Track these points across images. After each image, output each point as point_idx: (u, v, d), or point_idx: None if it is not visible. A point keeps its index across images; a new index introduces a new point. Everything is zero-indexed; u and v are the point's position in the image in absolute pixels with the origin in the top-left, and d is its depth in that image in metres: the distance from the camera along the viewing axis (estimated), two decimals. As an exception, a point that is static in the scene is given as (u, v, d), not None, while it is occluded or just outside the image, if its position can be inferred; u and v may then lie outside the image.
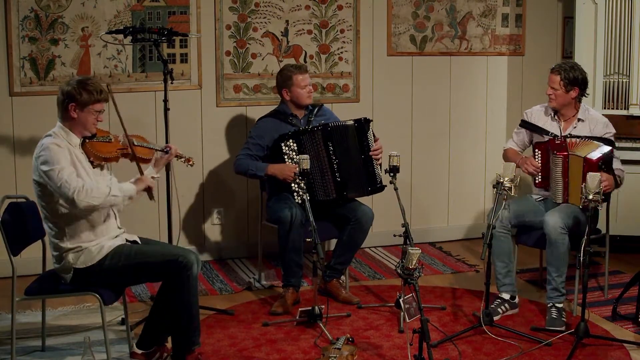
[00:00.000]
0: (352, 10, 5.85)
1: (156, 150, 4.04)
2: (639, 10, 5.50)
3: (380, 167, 4.91)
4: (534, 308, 4.71)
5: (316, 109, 4.99)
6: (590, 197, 4.00)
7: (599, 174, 4.06)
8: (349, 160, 4.81)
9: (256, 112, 5.48)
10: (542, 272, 5.10)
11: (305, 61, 5.76)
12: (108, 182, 3.84)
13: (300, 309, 4.44)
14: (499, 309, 4.56)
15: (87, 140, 3.79)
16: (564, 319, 4.41)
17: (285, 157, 4.74)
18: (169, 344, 3.92)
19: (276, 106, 5.06)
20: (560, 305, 4.45)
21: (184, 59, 5.50)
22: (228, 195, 5.75)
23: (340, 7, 5.82)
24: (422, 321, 3.61)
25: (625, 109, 5.57)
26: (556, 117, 4.74)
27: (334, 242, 4.98)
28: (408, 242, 4.47)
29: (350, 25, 5.86)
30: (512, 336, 4.26)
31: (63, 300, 4.70)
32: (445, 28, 6.10)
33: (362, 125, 4.84)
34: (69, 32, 5.23)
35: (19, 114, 5.19)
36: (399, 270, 3.69)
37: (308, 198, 4.40)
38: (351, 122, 4.83)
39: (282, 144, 4.74)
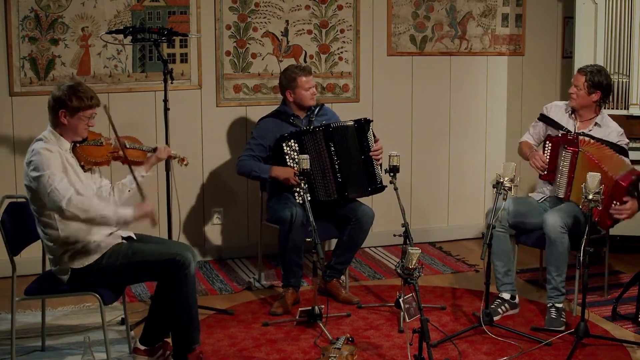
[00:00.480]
0: (352, 10, 5.85)
1: (148, 151, 4.02)
2: (639, 10, 5.49)
3: (381, 168, 4.91)
4: (534, 308, 4.71)
5: (317, 109, 4.99)
6: (590, 197, 4.00)
7: (598, 174, 4.06)
8: (349, 161, 4.81)
9: (256, 112, 5.48)
10: (542, 272, 5.10)
11: (305, 61, 5.77)
12: (100, 184, 3.83)
13: (300, 309, 4.45)
14: (499, 309, 4.56)
15: (78, 145, 3.76)
16: (564, 319, 4.41)
17: (287, 157, 4.74)
18: (169, 340, 3.92)
19: (277, 106, 5.06)
20: (559, 305, 4.45)
21: (184, 59, 5.50)
22: (228, 196, 5.75)
23: (340, 7, 5.82)
24: (422, 321, 3.61)
25: (625, 109, 5.57)
26: (573, 116, 4.74)
27: (334, 242, 4.97)
28: (408, 242, 4.47)
29: (350, 25, 5.86)
30: (512, 336, 4.26)
31: (63, 300, 4.70)
32: (445, 28, 6.10)
33: (362, 125, 4.84)
34: (69, 32, 5.23)
35: (19, 114, 5.19)
36: (399, 270, 3.69)
37: (309, 198, 4.40)
38: (351, 123, 4.83)
39: (284, 144, 4.74)
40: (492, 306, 4.54)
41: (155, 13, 5.40)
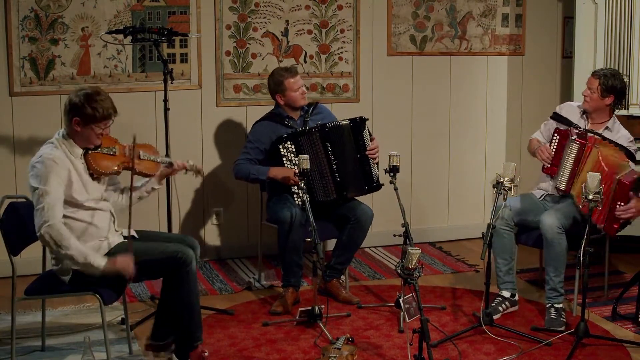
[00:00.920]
0: (352, 10, 5.85)
1: (162, 164, 3.99)
2: (639, 10, 5.49)
3: (377, 166, 4.91)
4: (534, 308, 4.71)
5: (311, 108, 4.98)
6: (590, 197, 4.00)
7: (598, 174, 4.06)
8: (346, 160, 4.81)
9: (256, 112, 5.48)
10: (542, 272, 5.09)
11: (305, 61, 5.77)
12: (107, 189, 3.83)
13: (300, 309, 4.45)
14: (500, 307, 4.56)
15: (90, 152, 3.72)
16: (563, 319, 4.41)
17: (284, 159, 4.74)
18: None
19: (272, 108, 5.06)
20: (559, 306, 4.45)
21: (184, 59, 5.50)
22: (228, 196, 5.75)
23: (340, 7, 5.82)
24: (422, 321, 3.61)
25: (625, 109, 5.56)
26: (585, 116, 4.75)
27: (333, 241, 4.97)
28: (408, 242, 4.47)
29: (350, 25, 5.86)
30: (512, 336, 4.26)
31: (63, 300, 4.70)
32: (445, 28, 6.10)
33: (358, 124, 4.84)
34: (69, 32, 5.23)
35: (19, 114, 5.19)
36: (399, 270, 3.69)
37: (308, 198, 4.40)
38: (346, 122, 4.83)
39: (280, 147, 4.74)
40: (493, 304, 4.54)
41: (155, 13, 5.40)
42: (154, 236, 4.01)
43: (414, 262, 3.61)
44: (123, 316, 4.29)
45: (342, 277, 5.00)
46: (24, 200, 3.93)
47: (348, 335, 4.10)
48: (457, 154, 6.28)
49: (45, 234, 3.49)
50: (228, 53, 5.60)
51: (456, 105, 6.23)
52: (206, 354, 3.87)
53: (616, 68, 5.57)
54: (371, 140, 4.90)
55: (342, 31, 5.85)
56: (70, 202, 3.63)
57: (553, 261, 4.45)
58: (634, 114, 5.55)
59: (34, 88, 5.20)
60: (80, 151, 3.71)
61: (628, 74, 5.54)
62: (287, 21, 5.71)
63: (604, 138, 4.58)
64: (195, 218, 5.69)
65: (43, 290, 3.78)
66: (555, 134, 4.70)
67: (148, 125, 5.43)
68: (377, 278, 5.36)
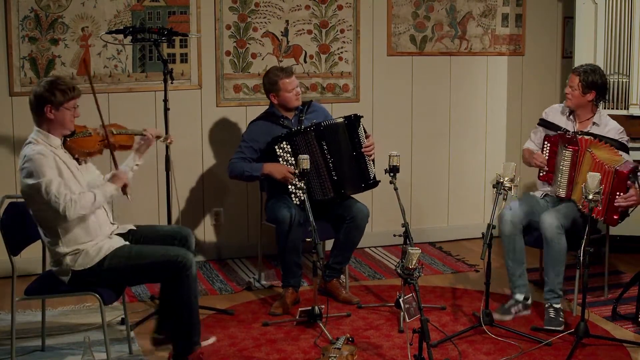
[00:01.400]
0: (352, 10, 5.85)
1: (136, 135, 4.03)
2: (639, 10, 5.49)
3: (373, 163, 4.91)
4: (534, 308, 4.71)
5: (306, 107, 4.98)
6: (590, 197, 4.00)
7: (598, 174, 4.06)
8: (342, 158, 4.80)
9: (256, 112, 5.46)
10: (542, 272, 5.09)
11: (305, 61, 5.77)
12: (95, 178, 3.87)
13: (300, 309, 4.45)
14: (512, 309, 4.54)
15: (69, 139, 3.78)
16: (562, 319, 4.41)
17: (280, 159, 4.74)
18: None
19: (267, 107, 5.06)
20: (557, 306, 4.45)
21: (184, 59, 5.50)
22: (228, 195, 5.75)
23: (340, 7, 5.82)
24: (422, 321, 3.61)
25: (625, 109, 5.57)
26: (572, 117, 4.75)
27: (332, 241, 4.97)
28: (408, 242, 4.47)
29: (350, 25, 5.86)
30: (512, 336, 4.26)
31: (63, 300, 4.70)
32: (445, 28, 6.10)
33: (352, 122, 4.83)
34: (69, 32, 5.23)
35: (19, 114, 5.19)
36: (399, 270, 3.69)
37: (307, 199, 4.40)
38: (341, 120, 4.82)
39: (276, 147, 4.73)
40: (505, 306, 4.53)
41: (155, 13, 5.40)
42: (149, 231, 4.01)
43: (414, 262, 3.61)
44: (123, 316, 4.29)
45: (342, 277, 5.00)
46: (24, 200, 3.93)
47: (348, 335, 4.10)
48: (457, 154, 6.28)
49: (71, 216, 3.58)
50: (228, 53, 5.60)
51: (456, 105, 6.23)
52: (210, 340, 3.88)
53: (616, 68, 5.58)
54: (367, 137, 4.89)
55: (342, 31, 5.85)
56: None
57: (552, 261, 4.45)
58: (634, 114, 5.55)
59: (34, 88, 5.20)
60: (58, 141, 3.74)
61: (628, 74, 5.54)
62: (287, 21, 5.71)
63: (595, 136, 4.57)
64: (194, 218, 5.69)
65: (43, 290, 3.78)
66: (546, 142, 4.70)
67: (148, 125, 5.40)
68: (377, 278, 5.36)
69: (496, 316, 4.38)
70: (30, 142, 3.69)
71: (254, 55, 5.66)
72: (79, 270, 3.68)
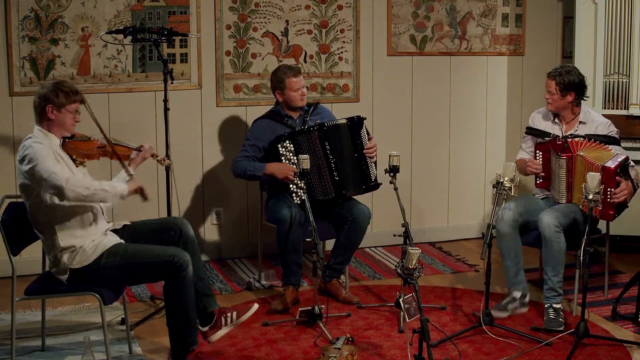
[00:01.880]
0: (352, 10, 5.85)
1: (132, 149, 4.05)
2: (639, 10, 5.49)
3: (375, 165, 4.91)
4: (534, 308, 4.71)
5: (312, 108, 4.99)
6: (590, 197, 4.00)
7: (598, 174, 4.06)
8: (344, 159, 4.81)
9: (256, 112, 5.47)
10: (542, 272, 5.09)
11: (305, 61, 5.77)
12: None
13: (300, 309, 4.44)
14: (509, 307, 4.54)
15: (68, 140, 3.81)
16: (562, 320, 4.41)
17: (283, 158, 4.74)
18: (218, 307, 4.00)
19: (272, 106, 5.07)
20: (557, 306, 4.45)
21: (184, 59, 5.50)
22: (228, 195, 5.75)
23: (340, 7, 5.82)
24: (422, 321, 3.61)
25: (625, 109, 5.57)
26: (557, 121, 4.74)
27: (332, 241, 4.97)
28: (408, 242, 4.48)
29: (350, 25, 5.86)
30: (512, 336, 4.26)
31: (63, 300, 4.70)
32: (445, 28, 6.10)
33: (356, 123, 4.84)
34: (69, 32, 5.23)
35: (19, 114, 5.19)
36: (399, 270, 3.69)
37: (307, 198, 4.40)
38: (344, 121, 4.83)
39: (279, 146, 4.74)
40: (502, 303, 4.53)
41: (155, 13, 5.40)
42: (142, 226, 4.02)
43: (414, 262, 3.61)
44: (123, 316, 4.30)
45: (342, 277, 5.00)
46: (22, 197, 3.93)
47: (348, 335, 4.10)
48: (457, 154, 6.28)
49: (70, 193, 3.57)
50: (228, 53, 5.60)
51: (456, 105, 6.23)
52: (200, 356, 3.87)
53: (616, 68, 5.58)
54: (369, 139, 4.90)
55: (342, 31, 5.85)
56: None
57: (551, 260, 4.45)
58: (634, 114, 5.55)
59: (34, 88, 5.18)
60: (57, 141, 3.77)
61: (628, 74, 5.55)
62: (287, 21, 5.71)
63: (584, 137, 4.57)
64: (195, 218, 5.69)
65: (43, 290, 3.78)
66: (538, 151, 4.69)
67: (148, 125, 5.43)
68: (377, 278, 5.36)
69: (493, 313, 4.38)
70: (29, 137, 3.73)
71: (254, 55, 5.66)
72: (76, 269, 3.69)
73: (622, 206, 4.49)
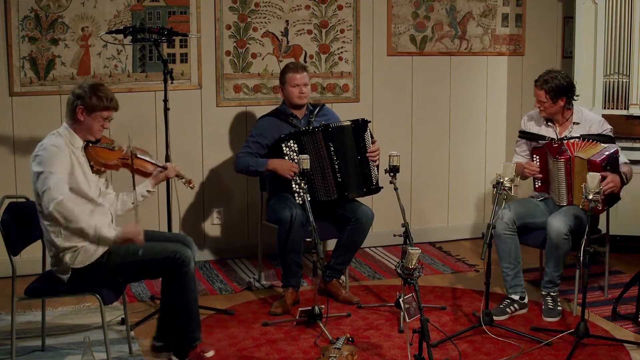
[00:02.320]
0: (352, 10, 5.85)
1: (157, 166, 4.03)
2: (639, 10, 5.49)
3: (377, 169, 4.91)
4: (534, 308, 4.71)
5: (317, 109, 4.99)
6: (590, 197, 4.00)
7: (598, 174, 4.06)
8: (347, 161, 4.81)
9: (256, 112, 5.48)
10: (542, 272, 5.10)
11: (305, 61, 5.76)
12: (105, 190, 3.85)
13: (300, 309, 4.44)
14: (508, 309, 4.55)
15: (91, 145, 3.78)
16: (560, 308, 4.47)
17: (286, 157, 4.74)
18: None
19: (278, 106, 5.07)
20: (555, 294, 4.49)
21: (184, 59, 5.50)
22: (228, 195, 5.75)
23: (340, 7, 5.82)
24: (422, 321, 3.61)
25: (625, 109, 5.57)
26: (550, 123, 4.73)
27: (333, 241, 4.97)
28: (408, 242, 4.48)
29: (350, 25, 5.86)
30: (512, 336, 4.26)
31: (63, 300, 4.70)
32: (445, 28, 6.10)
33: (360, 126, 4.84)
34: (69, 32, 5.23)
35: (19, 114, 5.19)
36: (399, 270, 3.69)
37: (309, 198, 4.40)
38: (348, 123, 4.83)
39: (283, 145, 4.74)
40: (501, 306, 4.54)
41: (155, 13, 5.40)
42: (151, 236, 4.01)
43: (414, 262, 3.61)
44: (123, 316, 4.30)
45: (342, 277, 5.00)
46: (24, 200, 3.93)
47: (348, 335, 4.10)
48: (457, 154, 6.28)
49: (54, 211, 3.53)
50: (228, 53, 5.60)
51: (456, 105, 6.23)
52: (209, 354, 3.87)
53: (616, 68, 5.58)
54: (372, 142, 4.90)
55: (342, 31, 5.85)
56: (73, 190, 3.65)
57: (555, 259, 4.48)
58: (634, 114, 5.55)
59: (34, 88, 5.20)
60: (81, 143, 3.75)
61: (628, 74, 5.55)
62: (287, 21, 5.71)
63: (579, 137, 4.56)
64: (195, 218, 5.69)
65: (43, 290, 3.79)
66: (535, 155, 4.67)
67: (148, 125, 5.43)
68: (377, 278, 5.36)
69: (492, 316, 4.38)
70: (53, 134, 3.72)
71: (254, 55, 5.66)
72: (78, 268, 3.68)
73: (612, 198, 4.48)
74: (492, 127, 6.35)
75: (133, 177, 3.85)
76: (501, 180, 4.21)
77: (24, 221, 3.83)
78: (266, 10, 5.64)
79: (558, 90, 4.57)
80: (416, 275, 3.65)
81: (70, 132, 3.73)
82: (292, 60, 5.70)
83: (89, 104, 3.68)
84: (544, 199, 4.76)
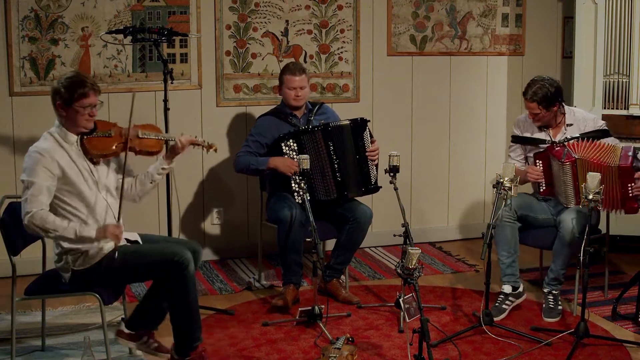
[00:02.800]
0: (352, 10, 5.85)
1: (166, 140, 3.94)
2: (639, 10, 5.49)
3: (376, 168, 4.91)
4: (534, 308, 4.71)
5: (316, 108, 4.99)
6: (590, 197, 4.00)
7: (598, 174, 4.05)
8: (347, 160, 4.81)
9: (256, 112, 5.48)
10: (542, 272, 5.10)
11: (305, 61, 5.76)
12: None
13: (300, 309, 4.44)
14: (504, 306, 4.55)
15: (85, 137, 3.71)
16: (560, 307, 4.48)
17: (286, 157, 4.74)
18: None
19: (273, 107, 5.07)
20: (557, 292, 4.51)
21: (184, 59, 5.50)
22: (228, 195, 5.75)
23: (340, 7, 5.82)
24: (422, 321, 3.61)
25: (625, 109, 5.57)
26: (544, 128, 4.71)
27: (333, 241, 4.97)
28: (408, 242, 4.48)
29: (350, 25, 5.86)
30: (512, 336, 4.26)
31: (63, 300, 4.70)
32: (445, 28, 6.10)
33: (359, 125, 4.84)
34: (69, 32, 5.23)
35: (19, 114, 5.19)
36: (399, 270, 3.69)
37: (308, 198, 4.40)
38: (347, 122, 4.83)
39: (283, 144, 4.74)
40: (496, 304, 4.54)
41: (155, 13, 5.40)
42: (156, 240, 4.00)
43: (414, 262, 3.61)
44: (123, 316, 4.29)
45: (342, 277, 5.00)
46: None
47: (348, 335, 4.09)
48: (457, 154, 6.28)
49: (29, 224, 3.50)
50: (228, 53, 5.60)
51: (456, 105, 6.23)
52: (204, 353, 3.87)
53: (616, 68, 5.58)
54: (372, 142, 4.90)
55: (342, 31, 5.85)
56: (69, 191, 3.63)
57: (565, 257, 4.50)
58: (634, 114, 5.55)
59: (34, 88, 5.20)
60: (74, 138, 3.70)
61: (628, 74, 5.54)
62: (287, 21, 5.71)
63: (578, 137, 4.55)
64: (195, 218, 5.69)
65: (43, 290, 3.78)
66: (537, 160, 4.64)
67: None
68: (377, 278, 5.36)
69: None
70: (44, 136, 3.69)
71: (254, 55, 5.66)
72: (78, 270, 3.68)
73: None
74: (492, 127, 6.35)
75: (125, 159, 3.77)
76: (501, 180, 4.21)
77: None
78: (266, 10, 5.65)
79: (549, 98, 4.56)
80: (416, 275, 3.65)
81: (61, 130, 3.68)
82: (292, 60, 5.70)
83: (64, 97, 3.62)
84: (547, 198, 4.76)
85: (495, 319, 4.35)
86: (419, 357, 3.61)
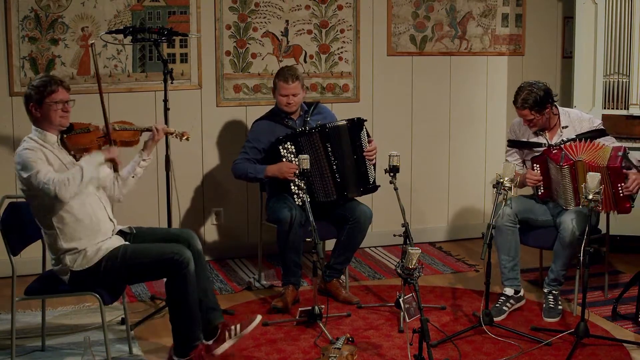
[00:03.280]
0: (352, 10, 5.85)
1: (141, 131, 4.00)
2: (639, 10, 5.49)
3: (374, 168, 4.91)
4: (534, 308, 4.71)
5: (312, 108, 4.98)
6: (590, 197, 4.00)
7: (598, 174, 4.05)
8: (344, 161, 4.81)
9: (256, 112, 5.47)
10: (542, 272, 5.10)
11: (305, 61, 5.77)
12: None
13: (300, 309, 4.44)
14: (504, 307, 4.55)
15: (65, 135, 3.77)
16: (561, 307, 4.48)
17: (284, 159, 4.73)
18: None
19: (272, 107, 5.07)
20: (557, 292, 4.51)
21: (184, 59, 5.50)
22: (228, 195, 5.75)
23: (340, 7, 5.82)
24: (422, 321, 3.61)
25: (625, 109, 5.57)
26: (540, 132, 4.70)
27: (333, 241, 4.97)
28: (408, 242, 4.48)
29: (350, 25, 5.86)
30: (512, 336, 4.26)
31: (63, 300, 4.70)
32: (445, 28, 6.10)
33: (355, 125, 4.83)
34: (69, 32, 5.23)
35: (19, 114, 5.19)
36: (399, 270, 3.69)
37: (308, 199, 4.40)
38: (343, 122, 4.82)
39: (280, 147, 4.73)
40: (497, 305, 4.54)
41: (155, 13, 5.40)
42: (150, 232, 4.01)
43: (414, 262, 3.61)
44: (123, 316, 4.30)
45: (342, 277, 5.00)
46: (24, 200, 3.92)
47: (348, 335, 4.10)
48: (457, 154, 6.28)
49: (62, 196, 3.52)
50: (228, 53, 5.60)
51: (456, 105, 6.23)
52: (204, 353, 3.87)
53: (616, 68, 5.58)
54: (369, 142, 4.89)
55: (342, 31, 5.85)
56: None
57: (565, 258, 4.50)
58: (634, 114, 5.55)
59: (34, 88, 5.19)
60: (54, 138, 3.74)
61: (628, 74, 5.54)
62: (287, 21, 5.71)
63: (575, 138, 4.55)
64: (195, 218, 5.69)
65: (43, 290, 3.79)
66: (535, 164, 4.62)
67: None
68: (377, 278, 5.36)
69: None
70: (24, 140, 3.72)
71: (254, 55, 5.66)
72: (77, 271, 3.68)
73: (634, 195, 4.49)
74: (492, 127, 6.35)
75: (111, 145, 3.82)
76: (501, 180, 4.21)
77: (24, 221, 3.83)
78: (266, 10, 5.65)
79: (539, 102, 4.52)
80: (416, 275, 3.65)
81: (40, 132, 3.72)
82: (293, 59, 5.70)
83: (34, 97, 3.67)
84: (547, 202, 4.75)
85: (494, 319, 4.35)
86: (419, 357, 3.61)
